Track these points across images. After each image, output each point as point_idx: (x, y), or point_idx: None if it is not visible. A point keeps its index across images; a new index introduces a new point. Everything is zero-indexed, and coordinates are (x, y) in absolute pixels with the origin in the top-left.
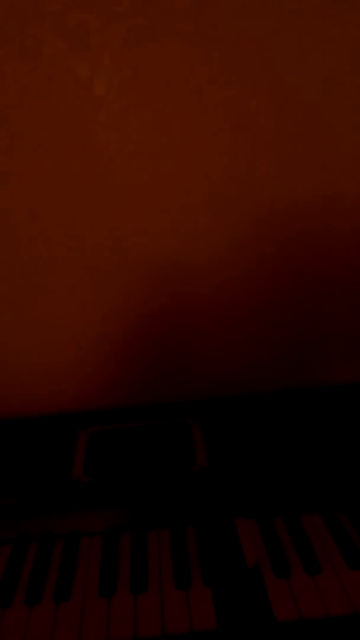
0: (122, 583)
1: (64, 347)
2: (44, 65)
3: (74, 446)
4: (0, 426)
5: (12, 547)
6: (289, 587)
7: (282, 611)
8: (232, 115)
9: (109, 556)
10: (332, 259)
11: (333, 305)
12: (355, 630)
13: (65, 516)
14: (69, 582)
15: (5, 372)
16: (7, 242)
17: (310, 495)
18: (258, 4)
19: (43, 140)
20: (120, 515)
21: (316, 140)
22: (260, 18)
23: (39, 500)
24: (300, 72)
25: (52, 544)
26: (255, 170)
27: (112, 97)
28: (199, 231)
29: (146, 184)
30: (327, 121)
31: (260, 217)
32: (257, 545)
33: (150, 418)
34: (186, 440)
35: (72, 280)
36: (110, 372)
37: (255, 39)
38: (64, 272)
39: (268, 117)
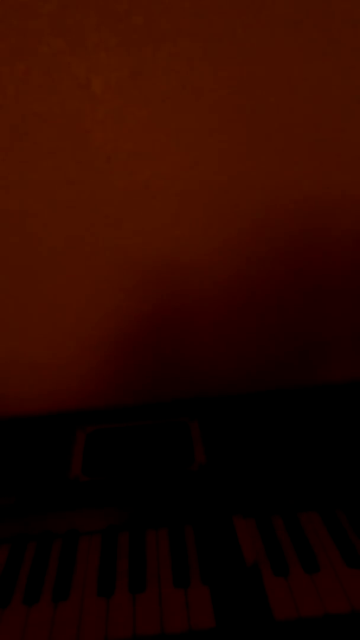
0: (121, 582)
1: (63, 347)
2: (41, 64)
3: (72, 445)
4: None
5: (10, 546)
6: (288, 585)
7: (280, 610)
8: (229, 115)
9: (108, 555)
10: (332, 257)
11: (332, 304)
12: (353, 628)
13: (64, 515)
14: (67, 582)
15: (4, 371)
16: (5, 241)
17: (308, 494)
18: (257, 2)
19: (40, 139)
20: (119, 514)
21: (314, 139)
22: (259, 16)
23: (37, 499)
24: (300, 72)
25: (50, 543)
26: (253, 169)
27: (109, 96)
28: (197, 230)
29: (144, 183)
30: (327, 119)
31: (258, 216)
32: (256, 543)
33: (148, 417)
34: (184, 439)
35: (71, 280)
36: (109, 371)
37: (253, 38)
38: (62, 271)
39: (266, 116)
